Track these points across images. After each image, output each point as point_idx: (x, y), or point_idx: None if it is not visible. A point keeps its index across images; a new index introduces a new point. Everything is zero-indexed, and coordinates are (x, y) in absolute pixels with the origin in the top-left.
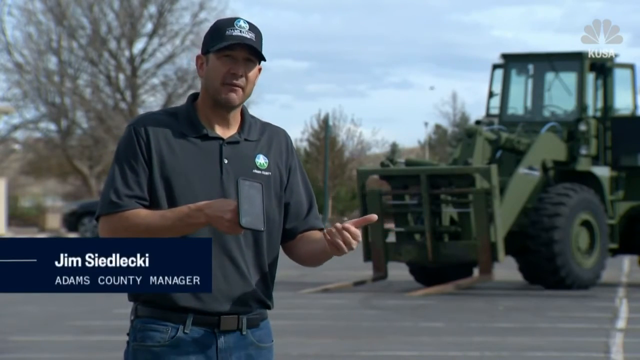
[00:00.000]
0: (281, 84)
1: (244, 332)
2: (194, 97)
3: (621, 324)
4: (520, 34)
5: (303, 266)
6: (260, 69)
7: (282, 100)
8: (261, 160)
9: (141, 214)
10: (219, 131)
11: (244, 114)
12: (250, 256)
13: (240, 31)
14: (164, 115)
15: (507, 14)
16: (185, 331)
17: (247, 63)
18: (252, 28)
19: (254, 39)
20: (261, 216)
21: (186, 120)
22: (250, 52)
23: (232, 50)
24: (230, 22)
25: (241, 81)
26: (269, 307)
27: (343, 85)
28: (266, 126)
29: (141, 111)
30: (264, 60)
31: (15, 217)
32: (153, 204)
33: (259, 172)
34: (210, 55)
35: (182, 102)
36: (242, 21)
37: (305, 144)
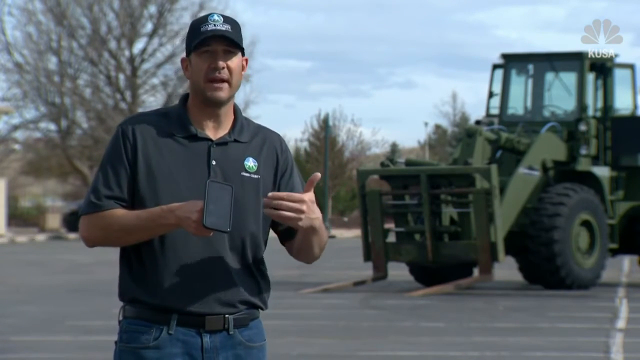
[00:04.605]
0: (284, 84)
1: (231, 332)
2: (186, 97)
3: (621, 324)
4: (524, 33)
5: (306, 264)
6: (246, 60)
7: (285, 100)
8: (250, 163)
9: (117, 213)
10: (209, 132)
11: (236, 114)
12: (236, 257)
13: (215, 25)
14: (154, 115)
15: (510, 14)
16: (170, 332)
17: (227, 54)
18: (227, 20)
19: (229, 30)
20: (227, 217)
21: (176, 120)
22: (227, 43)
23: (209, 45)
24: (204, 18)
25: (224, 74)
26: (260, 308)
27: (346, 85)
28: (259, 129)
29: (141, 111)
30: (241, 48)
31: (15, 217)
32: (138, 204)
33: (247, 174)
34: (192, 56)
35: None
36: (215, 15)
37: (305, 144)
